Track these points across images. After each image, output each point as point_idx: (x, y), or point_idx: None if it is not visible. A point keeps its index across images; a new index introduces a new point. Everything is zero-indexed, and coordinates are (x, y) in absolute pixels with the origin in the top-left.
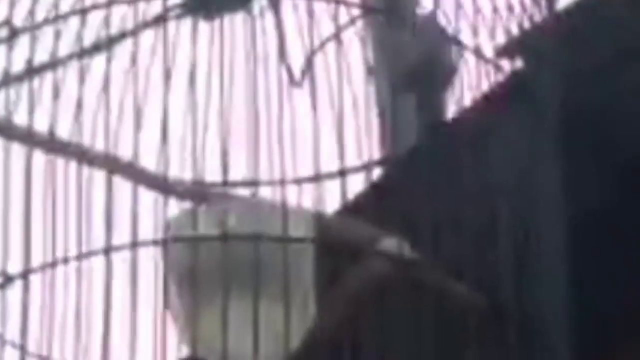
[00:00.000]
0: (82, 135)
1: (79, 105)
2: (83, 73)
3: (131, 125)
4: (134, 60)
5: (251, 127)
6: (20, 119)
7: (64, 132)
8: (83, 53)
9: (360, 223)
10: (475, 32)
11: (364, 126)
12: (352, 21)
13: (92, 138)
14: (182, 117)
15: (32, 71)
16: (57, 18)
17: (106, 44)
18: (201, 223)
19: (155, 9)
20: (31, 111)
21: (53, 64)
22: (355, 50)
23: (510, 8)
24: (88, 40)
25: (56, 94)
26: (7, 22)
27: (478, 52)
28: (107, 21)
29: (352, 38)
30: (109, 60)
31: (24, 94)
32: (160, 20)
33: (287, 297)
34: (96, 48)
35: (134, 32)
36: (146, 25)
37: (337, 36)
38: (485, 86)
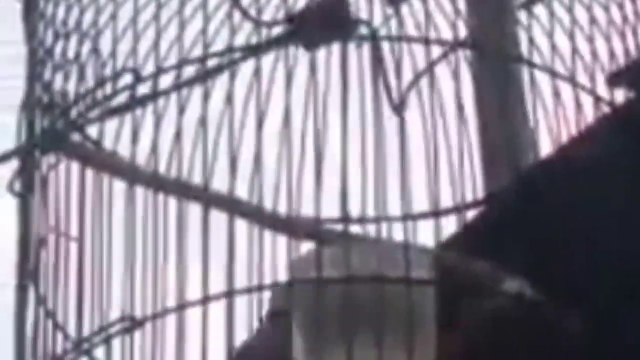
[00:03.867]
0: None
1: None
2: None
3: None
4: (229, 98)
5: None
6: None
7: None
8: (182, 85)
9: (481, 262)
10: (592, 77)
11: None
12: (445, 55)
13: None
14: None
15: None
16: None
17: (202, 78)
18: (325, 264)
19: (252, 38)
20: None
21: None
22: (448, 86)
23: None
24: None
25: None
26: (133, 69)
27: (592, 90)
28: (203, 62)
29: (445, 73)
30: (205, 99)
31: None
32: (257, 50)
33: (410, 339)
34: (195, 80)
35: (230, 65)
36: (244, 56)
37: (430, 70)
38: (589, 119)
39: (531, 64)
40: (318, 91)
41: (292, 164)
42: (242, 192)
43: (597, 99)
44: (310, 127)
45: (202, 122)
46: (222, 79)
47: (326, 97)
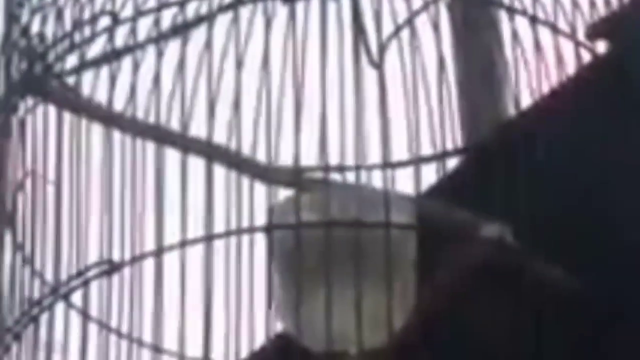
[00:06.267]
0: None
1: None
2: (160, 56)
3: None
4: (208, 45)
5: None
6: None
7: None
8: (160, 37)
9: (460, 209)
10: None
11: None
12: (426, 6)
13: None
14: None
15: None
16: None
17: (182, 29)
18: (304, 209)
19: None
20: (111, 92)
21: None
22: (429, 36)
23: None
24: (165, 25)
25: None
26: (111, 12)
27: (572, 35)
28: (183, 7)
29: (426, 24)
30: (184, 44)
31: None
32: (235, 4)
33: (389, 283)
34: (173, 32)
35: (209, 17)
36: (221, 9)
37: (410, 22)
38: (575, 68)
39: (512, 10)
40: (297, 40)
41: (271, 112)
42: (220, 138)
43: (578, 45)
44: (289, 76)
45: (181, 66)
46: (199, 30)
47: (305, 47)
